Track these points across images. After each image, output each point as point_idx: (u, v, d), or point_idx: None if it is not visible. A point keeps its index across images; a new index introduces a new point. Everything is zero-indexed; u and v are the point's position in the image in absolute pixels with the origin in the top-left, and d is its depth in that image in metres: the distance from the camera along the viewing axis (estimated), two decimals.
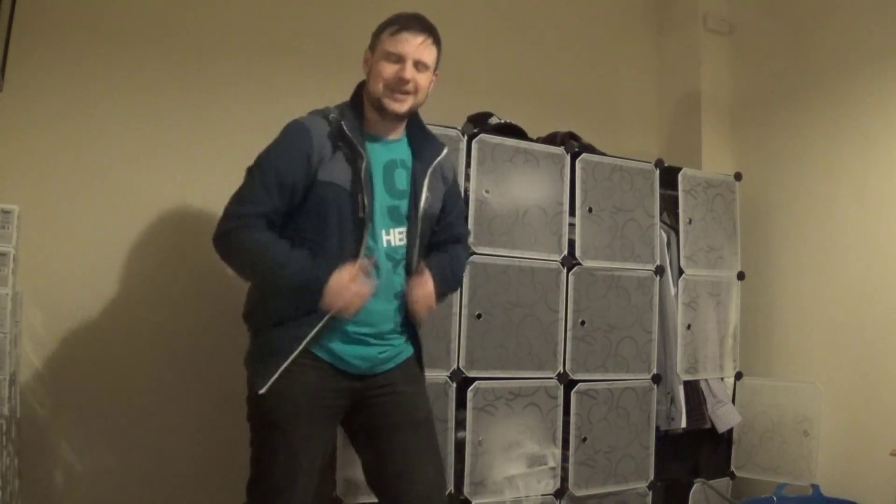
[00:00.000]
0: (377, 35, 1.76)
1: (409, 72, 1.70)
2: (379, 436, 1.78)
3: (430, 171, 1.80)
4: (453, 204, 1.93)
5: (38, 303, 2.20)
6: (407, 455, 1.75)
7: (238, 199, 1.69)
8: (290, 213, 1.69)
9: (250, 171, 1.71)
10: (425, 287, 1.76)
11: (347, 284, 1.62)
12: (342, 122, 1.70)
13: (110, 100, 2.33)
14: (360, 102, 1.78)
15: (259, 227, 1.65)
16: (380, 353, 1.74)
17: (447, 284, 1.87)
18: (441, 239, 1.90)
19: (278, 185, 1.66)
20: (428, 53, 1.73)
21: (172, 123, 2.41)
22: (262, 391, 1.66)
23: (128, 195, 2.34)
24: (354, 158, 1.70)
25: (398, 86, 1.70)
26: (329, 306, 1.63)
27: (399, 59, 1.70)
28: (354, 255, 1.67)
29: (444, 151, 1.87)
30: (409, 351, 1.83)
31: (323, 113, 1.75)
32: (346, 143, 1.70)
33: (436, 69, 1.79)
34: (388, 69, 1.70)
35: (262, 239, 1.65)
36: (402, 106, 1.73)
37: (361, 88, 1.80)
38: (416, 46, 1.71)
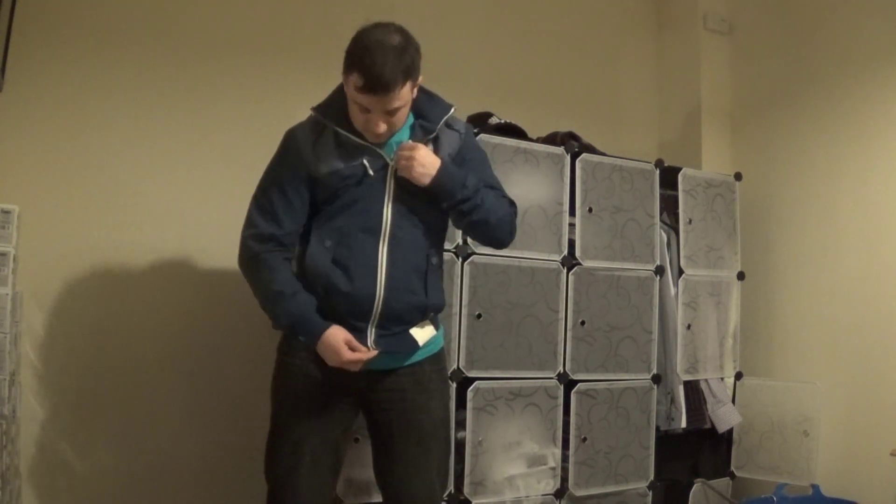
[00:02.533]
0: (346, 71, 1.62)
1: (381, 126, 1.64)
2: (384, 442, 1.79)
3: (436, 129, 1.74)
4: (474, 162, 1.81)
5: (38, 303, 2.20)
6: (407, 465, 1.76)
7: (247, 222, 1.73)
8: (317, 212, 1.72)
9: (255, 192, 1.75)
10: (415, 150, 1.65)
11: (338, 351, 1.65)
12: (316, 111, 1.72)
13: (110, 100, 2.33)
14: (341, 93, 1.74)
15: (266, 257, 1.69)
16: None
17: (465, 185, 1.71)
18: None
19: (281, 193, 1.70)
20: (398, 100, 1.62)
21: (173, 123, 2.41)
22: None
23: (128, 195, 2.34)
24: (341, 139, 1.70)
25: (370, 130, 1.67)
26: (325, 360, 1.68)
27: (367, 111, 1.63)
28: (377, 232, 1.69)
29: (452, 110, 1.79)
30: (423, 353, 1.79)
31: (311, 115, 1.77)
32: (330, 131, 1.71)
33: (415, 85, 1.67)
34: (361, 117, 1.65)
35: (266, 279, 1.69)
36: (381, 138, 1.70)
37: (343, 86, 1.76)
38: (383, 103, 1.60)
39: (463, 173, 1.74)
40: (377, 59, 1.56)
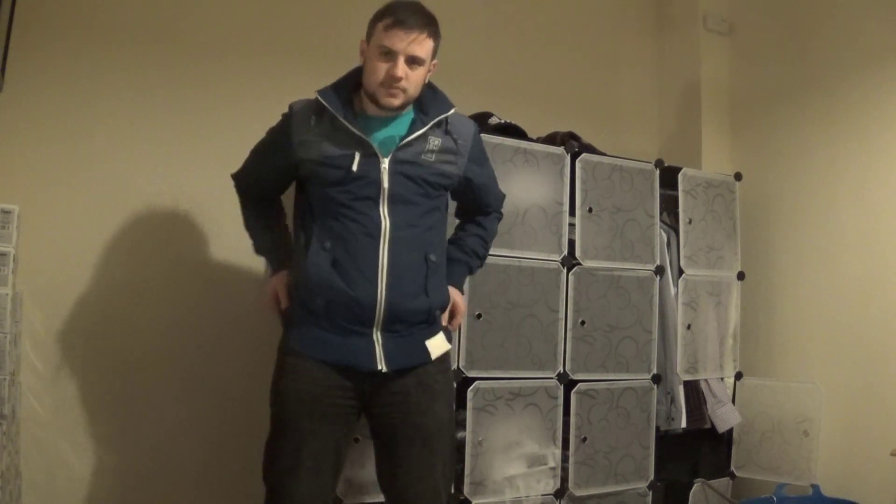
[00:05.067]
0: (372, 25, 1.73)
1: (401, 69, 1.68)
2: (387, 444, 1.79)
3: (431, 123, 1.77)
4: (479, 172, 1.92)
5: (38, 303, 2.20)
6: (411, 468, 1.75)
7: (240, 168, 1.95)
8: (307, 192, 1.80)
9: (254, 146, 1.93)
10: (458, 318, 1.94)
11: (268, 296, 1.87)
12: (319, 95, 1.74)
13: (110, 99, 2.33)
14: (352, 79, 1.80)
15: (245, 202, 1.95)
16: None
17: (472, 273, 2.02)
18: (475, 206, 1.97)
19: (261, 163, 1.88)
20: (421, 48, 1.69)
21: (173, 123, 2.41)
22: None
23: (128, 195, 2.34)
24: (338, 126, 1.72)
25: (390, 83, 1.70)
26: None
27: (391, 56, 1.68)
28: (377, 236, 1.71)
29: (453, 110, 1.82)
30: (429, 356, 1.79)
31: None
32: (328, 115, 1.72)
33: (433, 58, 1.76)
34: (381, 67, 1.69)
35: (245, 214, 1.95)
36: (395, 101, 1.72)
37: (355, 71, 1.81)
38: (408, 43, 1.67)
39: (463, 272, 1.96)
40: (414, 6, 1.72)
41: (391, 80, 1.69)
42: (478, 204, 1.97)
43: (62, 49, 2.27)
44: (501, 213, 2.06)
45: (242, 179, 1.94)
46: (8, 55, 2.10)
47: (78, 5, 2.31)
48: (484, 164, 1.95)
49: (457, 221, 2.02)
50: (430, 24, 1.71)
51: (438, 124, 1.79)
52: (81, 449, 2.24)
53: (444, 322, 1.86)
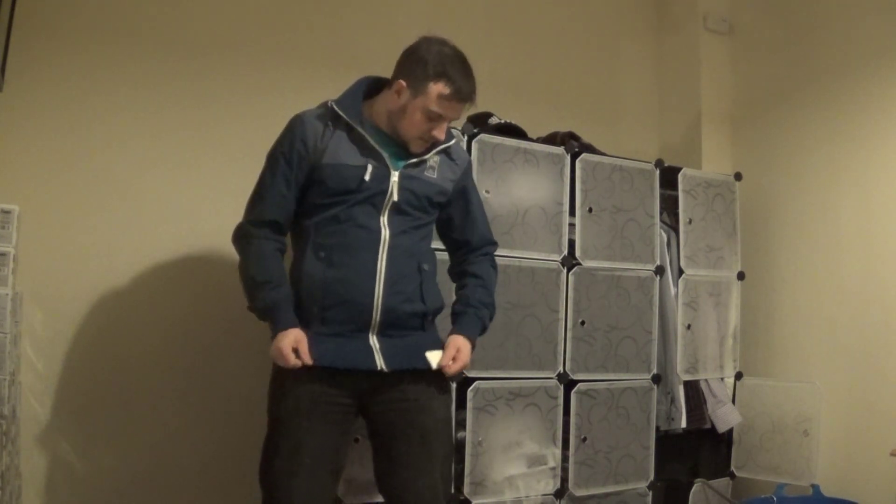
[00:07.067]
0: (423, 80, 1.70)
1: (444, 132, 1.76)
2: (385, 444, 1.79)
3: (436, 149, 1.82)
4: (471, 194, 1.94)
5: (38, 303, 2.20)
6: (410, 467, 1.76)
7: (250, 203, 1.78)
8: (307, 200, 1.75)
9: (261, 172, 1.78)
10: (460, 363, 1.80)
11: (286, 350, 1.66)
12: (333, 104, 1.75)
13: (110, 99, 2.33)
14: (362, 90, 1.80)
15: (260, 244, 1.73)
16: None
17: (486, 326, 1.90)
18: (463, 241, 1.93)
19: (283, 177, 1.73)
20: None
21: (173, 122, 2.41)
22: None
23: (128, 194, 2.34)
24: (354, 137, 1.74)
25: (429, 139, 1.76)
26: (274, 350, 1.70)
27: (440, 120, 1.74)
28: (376, 245, 1.72)
29: (454, 140, 1.90)
30: (428, 365, 1.80)
31: (323, 104, 1.80)
32: (342, 122, 1.74)
33: None
34: (425, 125, 1.73)
35: (254, 264, 1.73)
36: (423, 149, 1.79)
37: (367, 83, 1.82)
38: (460, 111, 1.76)
39: (474, 323, 1.85)
40: (467, 69, 1.72)
41: (431, 138, 1.76)
42: (464, 232, 1.93)
43: (62, 49, 2.27)
44: (493, 255, 1.98)
45: (260, 208, 1.74)
46: (8, 55, 2.10)
47: (78, 5, 2.31)
48: (474, 189, 1.98)
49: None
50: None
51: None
52: (81, 449, 2.24)
53: (448, 369, 1.79)
